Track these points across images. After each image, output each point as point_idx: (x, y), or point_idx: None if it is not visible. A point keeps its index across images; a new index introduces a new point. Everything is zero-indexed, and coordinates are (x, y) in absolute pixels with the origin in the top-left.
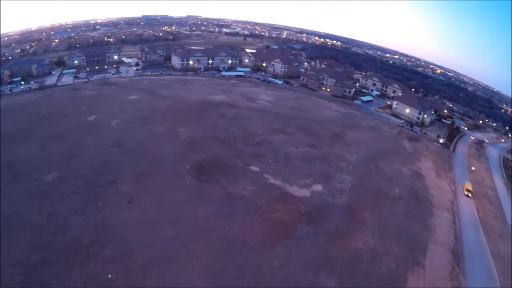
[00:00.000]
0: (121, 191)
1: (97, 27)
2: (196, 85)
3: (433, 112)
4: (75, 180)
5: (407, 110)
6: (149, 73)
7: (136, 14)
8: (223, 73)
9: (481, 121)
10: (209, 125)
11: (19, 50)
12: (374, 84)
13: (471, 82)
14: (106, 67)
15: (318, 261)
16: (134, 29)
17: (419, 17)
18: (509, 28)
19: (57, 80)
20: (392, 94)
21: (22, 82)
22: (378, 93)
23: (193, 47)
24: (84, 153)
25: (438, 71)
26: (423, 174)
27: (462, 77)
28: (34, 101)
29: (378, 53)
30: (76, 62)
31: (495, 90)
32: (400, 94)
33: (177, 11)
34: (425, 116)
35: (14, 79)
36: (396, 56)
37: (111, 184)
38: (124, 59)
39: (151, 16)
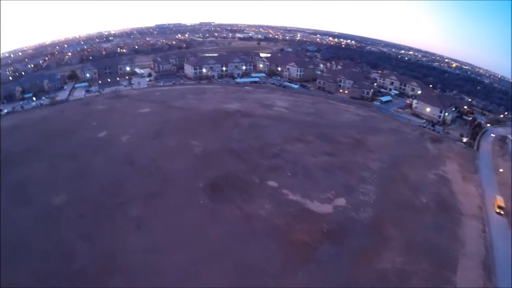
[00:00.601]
0: (130, 214)
1: (110, 38)
2: (209, 94)
3: (453, 109)
4: (83, 202)
5: (428, 109)
6: (161, 83)
7: (149, 23)
8: (238, 80)
9: (501, 115)
10: (224, 137)
11: (32, 65)
12: (392, 83)
13: (487, 74)
14: (118, 79)
15: (343, 287)
16: (147, 38)
17: (427, 9)
18: None
19: (69, 94)
20: (411, 93)
21: (34, 98)
22: (396, 92)
23: (206, 55)
24: (93, 172)
25: (454, 65)
26: (449, 178)
27: (477, 70)
28: (44, 118)
29: (393, 50)
30: (88, 75)
31: (511, 80)
32: (419, 92)
33: (190, 18)
34: (446, 114)
35: (26, 95)
36: (411, 52)
37: (120, 207)
38: (137, 70)
39: (164, 25)
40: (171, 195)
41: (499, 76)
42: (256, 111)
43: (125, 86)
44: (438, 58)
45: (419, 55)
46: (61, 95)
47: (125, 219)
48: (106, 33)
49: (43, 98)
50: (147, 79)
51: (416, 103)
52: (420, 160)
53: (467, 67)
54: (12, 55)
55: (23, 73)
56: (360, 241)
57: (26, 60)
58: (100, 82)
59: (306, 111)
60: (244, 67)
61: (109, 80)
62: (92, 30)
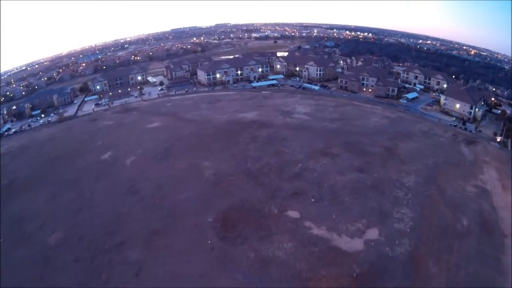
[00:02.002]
0: (128, 258)
1: (126, 46)
2: (224, 102)
3: (482, 103)
4: (79, 242)
5: (457, 105)
6: (173, 92)
7: (165, 28)
8: (254, 84)
9: None
10: (238, 154)
11: (45, 78)
12: (416, 77)
13: (506, 60)
14: (129, 89)
15: None
16: (162, 44)
17: None
18: None
19: (77, 109)
20: (436, 86)
21: (42, 115)
22: (421, 86)
23: (220, 58)
24: (93, 204)
25: (472, 52)
26: (489, 189)
27: (496, 56)
28: (50, 138)
29: (411, 40)
30: (98, 87)
31: None
32: (445, 86)
33: (206, 21)
34: (477, 110)
35: (34, 112)
36: (429, 42)
37: (118, 248)
38: (150, 78)
39: (180, 29)
40: (176, 234)
41: None
42: (274, 120)
43: (136, 97)
44: (456, 46)
45: (437, 44)
46: (70, 110)
47: (123, 264)
48: (122, 40)
49: (52, 114)
50: (159, 88)
51: (444, 99)
52: (456, 169)
53: (485, 53)
54: (28, 68)
55: (36, 87)
56: (396, 286)
57: (41, 73)
58: (110, 94)
59: (329, 116)
60: (260, 70)
61: (119, 91)
62: (109, 38)
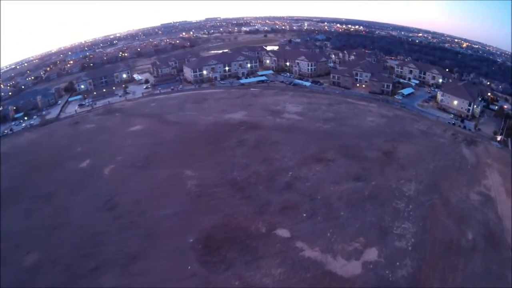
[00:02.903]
0: (104, 285)
1: (115, 42)
2: (210, 101)
3: (480, 99)
4: (54, 266)
5: (455, 102)
6: (159, 90)
7: (155, 23)
8: (242, 81)
9: None
10: (224, 161)
11: (32, 78)
12: (410, 72)
13: (498, 52)
14: (114, 88)
15: None
16: (151, 39)
17: None
18: None
19: (61, 111)
20: (432, 81)
21: (26, 118)
22: (416, 81)
23: (208, 54)
24: (69, 221)
25: (465, 45)
26: (493, 196)
27: (488, 48)
28: (31, 143)
29: (402, 33)
30: (83, 86)
31: None
32: (440, 80)
33: (196, 15)
34: (475, 106)
35: (17, 115)
36: (420, 34)
37: (93, 274)
38: (135, 76)
39: (170, 23)
40: (154, 258)
41: (508, 53)
42: (264, 120)
43: (120, 96)
44: (448, 38)
45: (429, 37)
46: (54, 112)
47: None
48: (112, 36)
49: (35, 117)
50: (144, 87)
51: (441, 96)
52: (459, 174)
53: (477, 46)
54: (18, 67)
55: (23, 87)
56: None
57: (28, 72)
58: (95, 93)
59: (323, 116)
60: (249, 65)
61: (104, 90)
62: (99, 34)
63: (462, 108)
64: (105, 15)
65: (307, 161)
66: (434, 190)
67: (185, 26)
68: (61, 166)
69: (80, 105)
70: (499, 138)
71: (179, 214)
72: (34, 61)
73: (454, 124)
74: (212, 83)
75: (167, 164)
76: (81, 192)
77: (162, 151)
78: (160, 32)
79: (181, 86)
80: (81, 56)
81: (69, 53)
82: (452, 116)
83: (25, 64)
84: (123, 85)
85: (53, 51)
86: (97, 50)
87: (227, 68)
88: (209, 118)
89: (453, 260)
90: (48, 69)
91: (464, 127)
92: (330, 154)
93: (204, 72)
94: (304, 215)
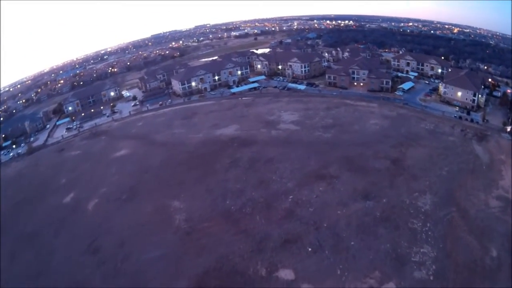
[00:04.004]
0: None
1: (105, 57)
2: (200, 115)
3: (483, 87)
4: None
5: (459, 94)
6: (147, 107)
7: (145, 35)
8: (233, 90)
9: None
10: (215, 188)
11: (23, 101)
12: (408, 64)
13: (489, 35)
14: (102, 107)
15: None
16: (140, 52)
17: None
18: None
19: (48, 136)
20: (430, 72)
21: (14, 146)
22: (415, 74)
23: (199, 62)
24: (52, 268)
25: (456, 30)
26: None
27: (479, 31)
28: (17, 175)
29: (392, 24)
30: (70, 108)
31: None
32: (439, 70)
33: (185, 23)
34: (480, 96)
35: (5, 144)
36: (411, 24)
37: None
38: (124, 92)
39: (160, 34)
40: None
41: (499, 34)
42: (257, 134)
43: (108, 116)
44: (438, 25)
45: (420, 25)
46: (42, 138)
47: None
48: (102, 51)
49: (22, 145)
50: (132, 104)
51: (444, 88)
52: (474, 177)
53: (468, 30)
54: (11, 89)
55: (14, 111)
56: None
57: (20, 94)
58: (83, 114)
59: (321, 123)
60: (239, 72)
61: (92, 110)
62: (90, 50)
63: (467, 99)
64: (95, 31)
65: (308, 180)
66: (451, 201)
67: (175, 35)
68: (45, 201)
69: (68, 129)
70: (508, 129)
71: (167, 257)
72: (27, 82)
73: (460, 118)
74: (201, 94)
75: (153, 194)
76: (65, 232)
77: (148, 179)
78: (150, 43)
79: (169, 100)
80: (71, 74)
81: (61, 71)
82: (457, 108)
83: (18, 86)
84: (111, 104)
85: (45, 71)
86: (87, 67)
87: (216, 77)
88: (198, 135)
89: (478, 285)
90: (39, 90)
91: (472, 120)
92: (333, 169)
93: (193, 83)
94: (309, 249)
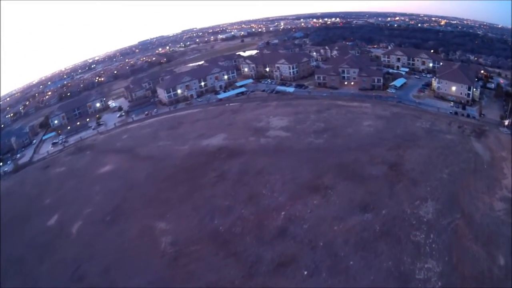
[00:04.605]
0: None
1: (93, 66)
2: (186, 125)
3: (476, 80)
4: None
5: (453, 88)
6: (132, 118)
7: (132, 42)
8: (220, 96)
9: None
10: (202, 205)
11: (12, 114)
12: (398, 59)
13: (476, 25)
14: (88, 120)
15: None
16: (127, 59)
17: None
18: None
19: (34, 152)
20: (422, 67)
21: (0, 164)
22: (406, 69)
23: (186, 67)
24: None
25: (443, 22)
26: None
27: (466, 22)
28: (4, 195)
29: (379, 19)
30: (56, 121)
31: (499, 26)
32: (431, 65)
33: (172, 29)
34: (475, 89)
35: None
36: (397, 18)
37: None
38: (110, 103)
39: (147, 40)
40: None
41: (486, 24)
42: (246, 143)
43: (93, 129)
44: (425, 18)
45: (407, 19)
46: (28, 154)
47: None
48: (90, 60)
49: (9, 162)
50: (118, 115)
51: (437, 83)
52: (476, 178)
53: (455, 22)
54: (0, 103)
55: (2, 126)
56: None
57: (8, 108)
58: (69, 127)
59: (313, 127)
60: (226, 77)
61: (78, 123)
62: (78, 59)
63: (461, 93)
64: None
65: (301, 193)
66: (454, 207)
67: (162, 41)
68: (30, 223)
69: (53, 144)
70: (506, 122)
71: (154, 285)
72: (16, 95)
73: (456, 113)
74: (188, 102)
75: (138, 215)
76: (49, 258)
77: (133, 197)
78: (137, 50)
79: (155, 110)
80: (59, 85)
81: (49, 83)
82: (452, 104)
83: (7, 99)
84: (97, 116)
85: (34, 82)
86: (75, 77)
87: (203, 83)
88: (184, 147)
89: None
90: (27, 103)
91: (468, 115)
92: (328, 179)
93: (179, 91)
94: (305, 272)
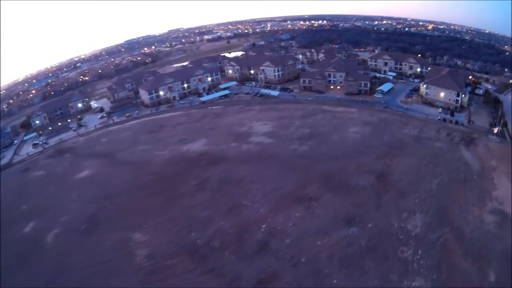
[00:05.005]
0: None
1: (78, 64)
2: (167, 128)
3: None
4: None
5: (442, 94)
6: (113, 120)
7: (118, 41)
8: (203, 99)
9: (504, 76)
10: (180, 217)
11: None
12: (385, 64)
13: (464, 30)
14: (69, 120)
15: None
16: (112, 58)
17: None
18: None
19: (14, 153)
20: (409, 71)
21: None
22: (393, 74)
23: (169, 69)
24: None
25: (430, 27)
26: (507, 212)
27: (453, 27)
28: None
29: (366, 22)
30: (38, 122)
31: (486, 31)
32: (418, 70)
33: (159, 28)
34: (463, 95)
35: None
36: (384, 22)
37: None
38: (92, 103)
39: (133, 39)
40: None
41: (473, 29)
42: (227, 149)
43: (74, 130)
44: (412, 22)
45: (394, 23)
46: (8, 155)
47: None
48: (76, 58)
49: None
50: (99, 116)
51: (426, 88)
52: (466, 189)
53: (442, 27)
54: None
55: None
56: None
57: None
58: (50, 128)
59: (297, 133)
60: (210, 79)
61: (59, 124)
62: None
63: (450, 99)
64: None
65: (284, 204)
66: (443, 220)
67: (148, 40)
68: (7, 231)
69: (34, 145)
70: (495, 130)
71: None
72: (1, 93)
73: (445, 120)
74: (170, 104)
75: (114, 224)
76: (25, 268)
77: (109, 205)
78: (123, 49)
79: (137, 111)
80: (43, 84)
81: (34, 81)
82: (440, 110)
83: None
84: (78, 117)
85: (20, 80)
86: (61, 76)
87: (186, 85)
88: (164, 152)
89: None
90: (11, 101)
91: (457, 122)
92: (312, 189)
93: (161, 92)
94: None
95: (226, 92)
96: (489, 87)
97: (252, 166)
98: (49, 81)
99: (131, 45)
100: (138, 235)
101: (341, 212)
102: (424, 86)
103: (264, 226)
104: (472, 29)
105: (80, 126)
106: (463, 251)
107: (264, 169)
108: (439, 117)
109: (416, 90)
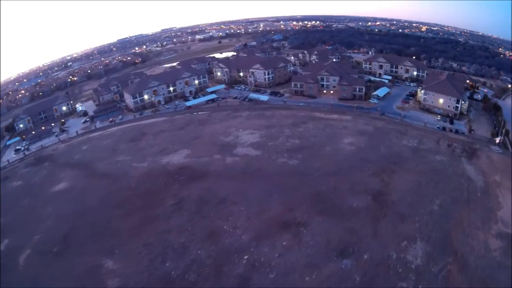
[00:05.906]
0: None
1: (69, 63)
2: (148, 136)
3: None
4: None
5: (441, 101)
6: (95, 125)
7: (111, 39)
8: (189, 103)
9: (500, 79)
10: (155, 243)
11: None
12: (381, 67)
13: (457, 32)
14: (53, 124)
15: None
16: (103, 58)
17: None
18: None
19: None
20: (405, 75)
21: None
22: (389, 77)
23: (157, 70)
24: None
25: (424, 28)
26: None
27: (447, 28)
28: None
29: (360, 23)
30: (21, 125)
31: (479, 33)
32: (415, 73)
33: (151, 27)
34: (463, 102)
35: None
36: (378, 23)
37: None
38: (78, 106)
39: (126, 38)
40: None
41: (468, 31)
42: (210, 163)
43: (56, 135)
44: (406, 24)
45: (387, 24)
46: None
47: None
48: (68, 57)
49: None
50: (82, 120)
51: (424, 94)
52: (470, 210)
53: (436, 28)
54: None
55: None
56: None
57: None
58: (33, 132)
59: (286, 145)
60: (197, 82)
61: (43, 128)
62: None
63: (449, 106)
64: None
65: (269, 231)
66: (446, 248)
67: (141, 39)
68: None
69: (16, 150)
70: (497, 140)
71: None
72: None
73: (444, 129)
74: (155, 108)
75: (86, 248)
76: None
77: (82, 225)
78: (115, 49)
79: (120, 116)
80: (33, 84)
81: (24, 80)
82: (439, 117)
83: None
84: (61, 121)
85: (11, 78)
86: (51, 75)
87: (171, 89)
88: (143, 164)
89: None
90: (0, 101)
91: (457, 131)
92: (301, 212)
93: (145, 96)
94: None
95: (213, 96)
96: (485, 90)
97: (236, 184)
98: (39, 81)
99: (123, 44)
100: (110, 262)
101: (333, 240)
102: (422, 91)
103: (246, 257)
104: (465, 30)
105: (62, 131)
106: (467, 284)
107: (248, 187)
108: (438, 126)
109: (413, 95)
